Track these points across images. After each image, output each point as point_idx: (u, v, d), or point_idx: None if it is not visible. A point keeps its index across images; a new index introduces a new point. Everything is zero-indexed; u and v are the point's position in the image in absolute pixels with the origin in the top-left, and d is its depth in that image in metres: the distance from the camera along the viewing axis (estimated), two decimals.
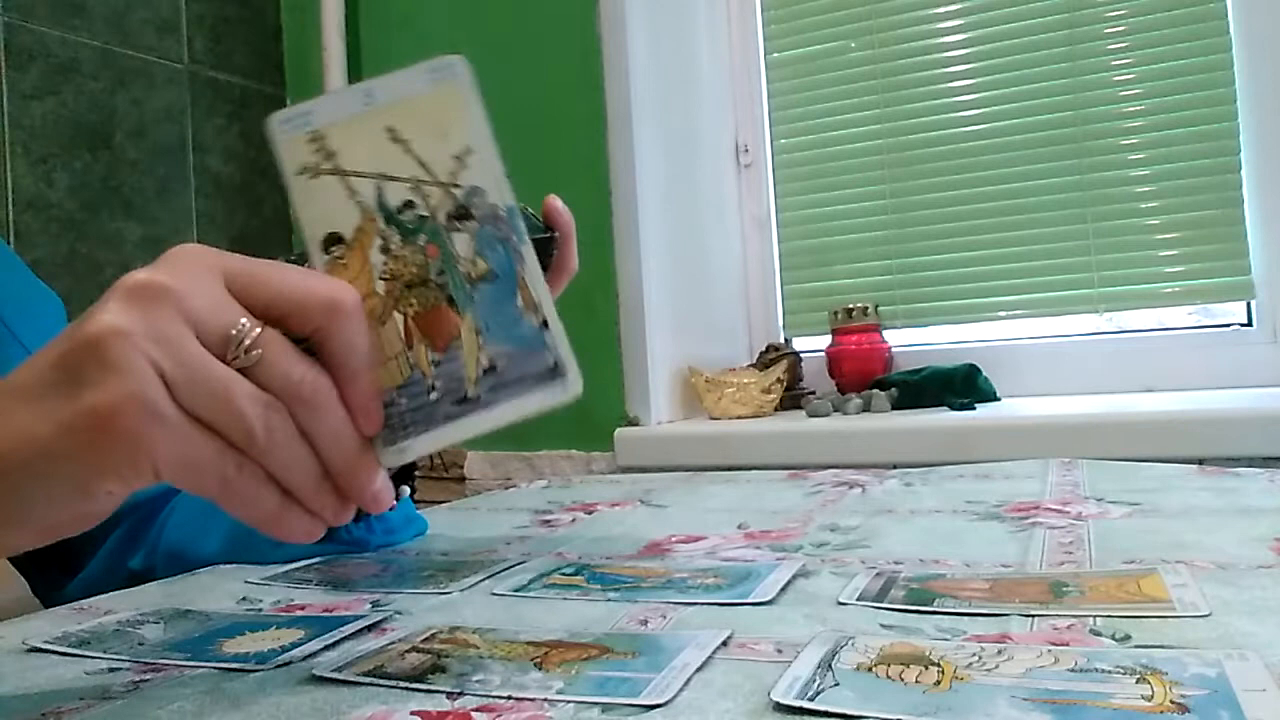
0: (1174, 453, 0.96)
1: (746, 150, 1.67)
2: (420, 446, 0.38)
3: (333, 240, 0.39)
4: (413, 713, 0.33)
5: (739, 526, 0.64)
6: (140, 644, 0.43)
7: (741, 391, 1.45)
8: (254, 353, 0.33)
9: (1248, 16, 1.36)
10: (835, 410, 1.39)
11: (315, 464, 0.34)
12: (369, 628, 0.44)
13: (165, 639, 0.44)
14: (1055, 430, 1.17)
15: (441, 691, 0.34)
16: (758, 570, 0.50)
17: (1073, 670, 0.32)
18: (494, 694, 0.34)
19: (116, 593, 0.55)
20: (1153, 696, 0.30)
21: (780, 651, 0.37)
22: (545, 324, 0.39)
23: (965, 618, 0.40)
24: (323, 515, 0.35)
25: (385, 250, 0.39)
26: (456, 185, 0.39)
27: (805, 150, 1.63)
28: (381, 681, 0.36)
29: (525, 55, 1.53)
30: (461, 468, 1.55)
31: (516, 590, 0.50)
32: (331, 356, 0.35)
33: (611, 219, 1.45)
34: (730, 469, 0.99)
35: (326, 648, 0.41)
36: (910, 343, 1.56)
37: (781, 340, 1.63)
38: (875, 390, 1.41)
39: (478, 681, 0.35)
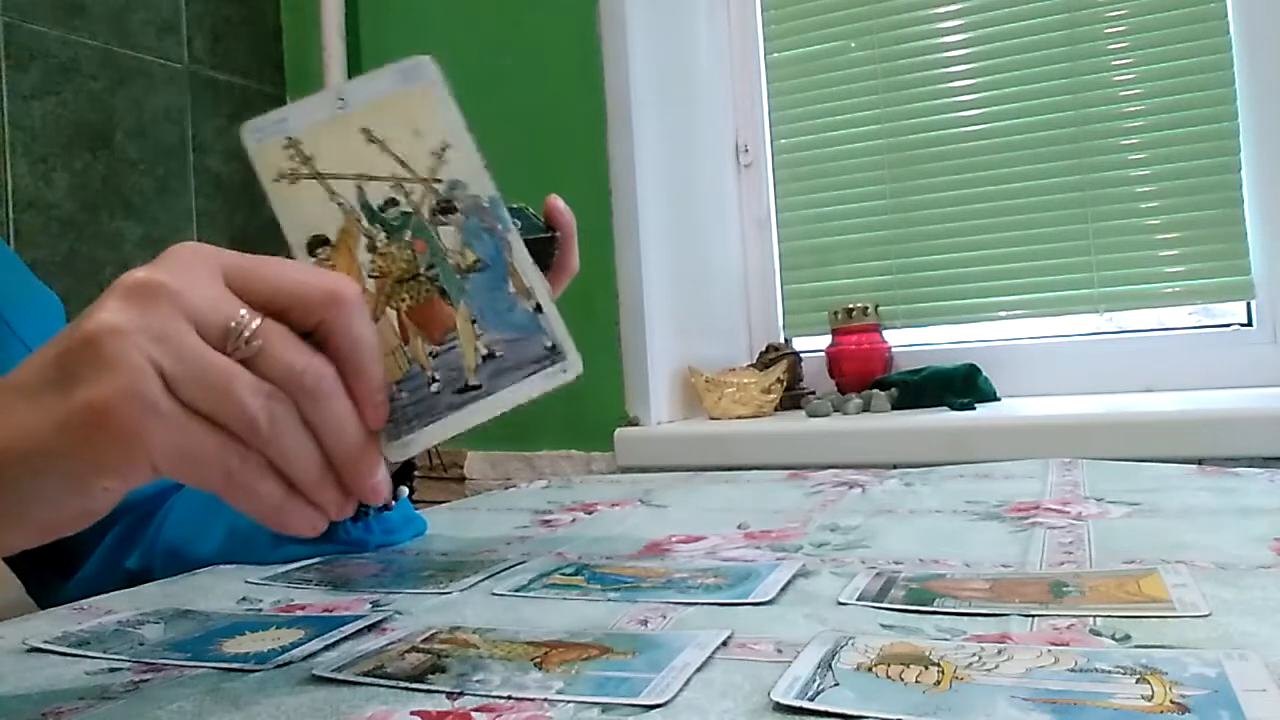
0: (1174, 453, 0.96)
1: (746, 150, 1.67)
2: (425, 438, 0.38)
3: (318, 243, 0.39)
4: (413, 713, 0.33)
5: (739, 526, 0.64)
6: (140, 644, 0.43)
7: (741, 391, 1.45)
8: (254, 343, 0.33)
9: (1248, 16, 1.36)
10: (835, 410, 1.39)
11: (318, 455, 0.34)
12: (369, 628, 0.44)
13: (165, 639, 0.44)
14: (1055, 430, 1.17)
15: (441, 691, 0.34)
16: (758, 570, 0.50)
17: (1073, 670, 0.32)
18: (494, 694, 0.34)
19: (116, 593, 0.55)
20: (1153, 696, 0.30)
21: (780, 651, 0.37)
22: (539, 308, 0.40)
23: (965, 618, 0.40)
24: (325, 509, 0.35)
25: (372, 249, 0.39)
26: (438, 180, 0.40)
27: (805, 150, 1.63)
28: (381, 681, 0.36)
29: (525, 55, 1.53)
30: (461, 468, 1.54)
31: (516, 590, 0.50)
32: (337, 350, 0.35)
33: (611, 219, 1.45)
34: (730, 469, 0.99)
35: (326, 648, 0.41)
36: (910, 343, 1.56)
37: (781, 340, 1.63)
38: (875, 390, 1.41)
39: (478, 681, 0.35)
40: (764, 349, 1.57)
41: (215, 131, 1.59)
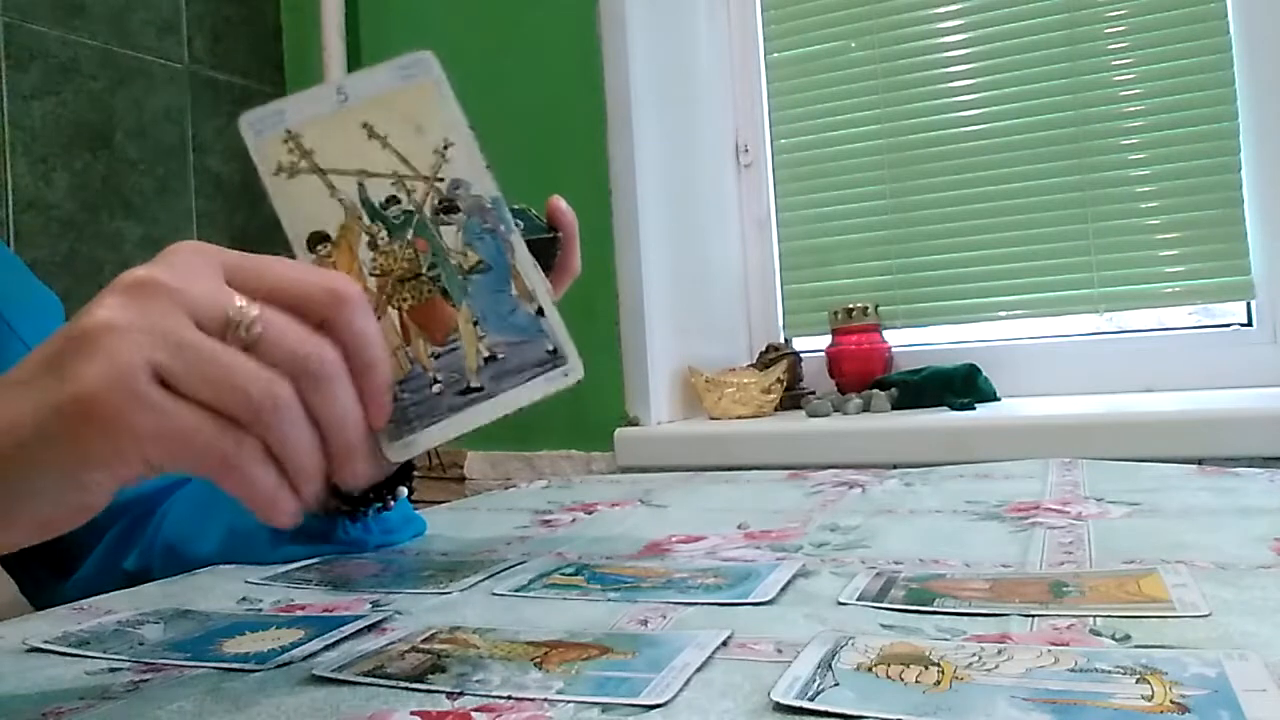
0: (1174, 453, 0.96)
1: (746, 150, 1.67)
2: (427, 439, 0.38)
3: (318, 239, 0.39)
4: (413, 713, 0.33)
5: (739, 526, 0.64)
6: (140, 644, 0.43)
7: (741, 391, 1.45)
8: (255, 330, 0.33)
9: (1248, 16, 1.36)
10: (835, 410, 1.39)
11: (318, 444, 0.34)
12: (369, 628, 0.44)
13: (165, 639, 0.44)
14: (1055, 430, 1.17)
15: (441, 691, 0.34)
16: (758, 570, 0.50)
17: (1073, 670, 0.32)
18: (494, 694, 0.34)
19: (116, 593, 0.55)
20: (1153, 696, 0.30)
21: (780, 651, 0.37)
22: (541, 311, 0.40)
23: (965, 618, 0.40)
24: (306, 499, 0.35)
25: (373, 246, 0.39)
26: (439, 179, 0.39)
27: (805, 150, 1.63)
28: (381, 681, 0.36)
29: (525, 55, 1.53)
30: (461, 468, 1.54)
31: (516, 590, 0.50)
32: (342, 347, 0.35)
33: (611, 219, 1.45)
34: (730, 469, 0.99)
35: (326, 648, 0.41)
36: (910, 343, 1.56)
37: (781, 340, 1.63)
38: (875, 390, 1.41)
39: (478, 681, 0.35)
40: (764, 349, 1.57)
41: (215, 131, 1.59)
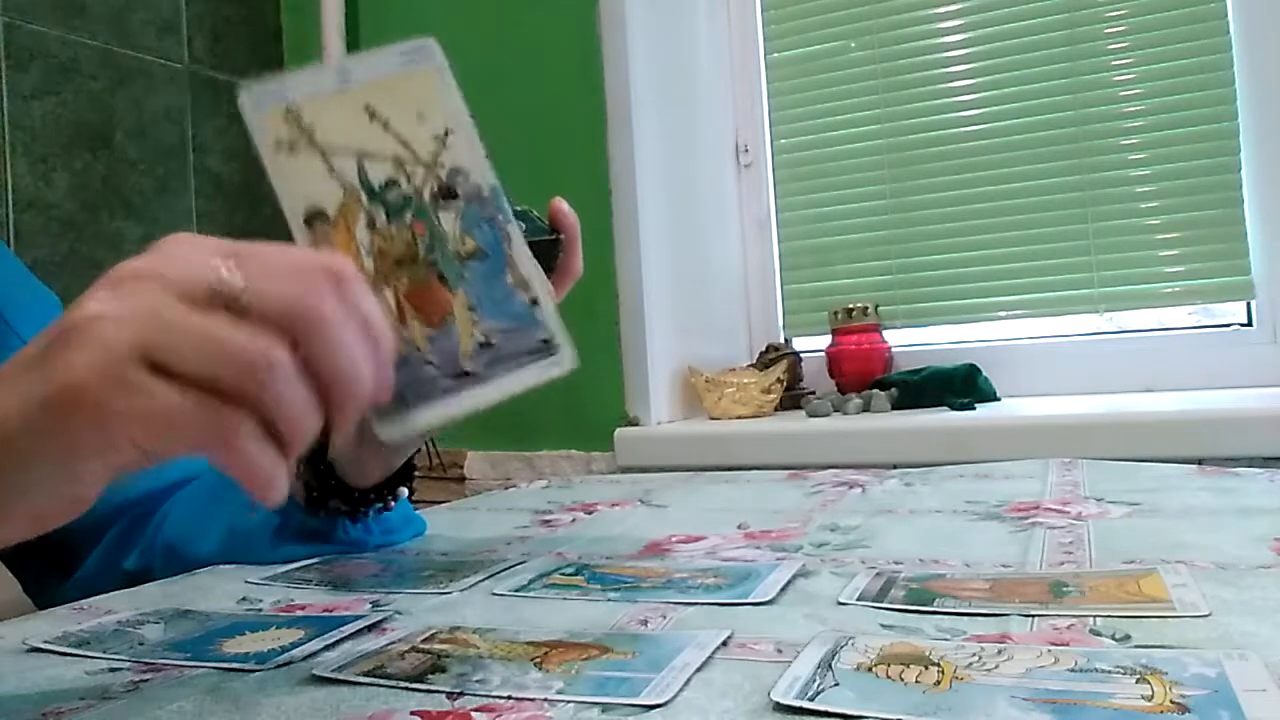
0: (1174, 453, 0.96)
1: (746, 150, 1.67)
2: (420, 420, 0.37)
3: (316, 216, 0.38)
4: (413, 713, 0.33)
5: (739, 526, 0.64)
6: (140, 644, 0.43)
7: (741, 391, 1.45)
8: (241, 289, 0.32)
9: (1248, 16, 1.36)
10: (835, 410, 1.39)
11: (315, 401, 0.33)
12: (369, 628, 0.44)
13: (165, 639, 0.44)
14: (1055, 430, 1.17)
15: (441, 691, 0.34)
16: (758, 570, 0.50)
17: (1073, 670, 0.32)
18: (494, 694, 0.34)
19: (116, 593, 0.55)
20: (1153, 696, 0.30)
21: (780, 651, 0.37)
22: (535, 300, 0.40)
23: (965, 618, 0.40)
24: (294, 460, 0.34)
25: (371, 226, 0.39)
26: (439, 165, 0.39)
27: (805, 150, 1.63)
28: (381, 681, 0.36)
29: (525, 55, 1.53)
30: (461, 468, 1.54)
31: (516, 590, 0.50)
32: None
33: (611, 219, 1.45)
34: (730, 469, 0.99)
35: (326, 648, 0.41)
36: (910, 343, 1.56)
37: (781, 340, 1.63)
38: (875, 390, 1.41)
39: (478, 681, 0.35)
40: (764, 349, 1.57)
41: (215, 131, 1.59)
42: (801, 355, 1.56)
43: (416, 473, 0.64)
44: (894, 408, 1.38)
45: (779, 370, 1.47)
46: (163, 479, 0.65)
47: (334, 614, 0.47)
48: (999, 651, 0.35)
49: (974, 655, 0.34)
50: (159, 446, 0.32)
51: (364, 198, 0.39)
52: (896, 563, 0.51)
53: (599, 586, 0.49)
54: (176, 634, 0.45)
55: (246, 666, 0.39)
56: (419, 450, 0.63)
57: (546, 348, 0.39)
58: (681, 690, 0.33)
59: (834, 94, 1.60)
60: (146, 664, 0.40)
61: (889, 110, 1.56)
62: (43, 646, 0.44)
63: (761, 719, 0.31)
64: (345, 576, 0.56)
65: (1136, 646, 0.35)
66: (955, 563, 0.50)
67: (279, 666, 0.39)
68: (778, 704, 0.31)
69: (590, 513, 0.75)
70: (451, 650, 0.39)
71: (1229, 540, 0.51)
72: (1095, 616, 0.39)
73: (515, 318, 0.39)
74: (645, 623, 0.42)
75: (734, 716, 0.31)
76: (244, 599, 0.52)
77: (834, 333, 1.52)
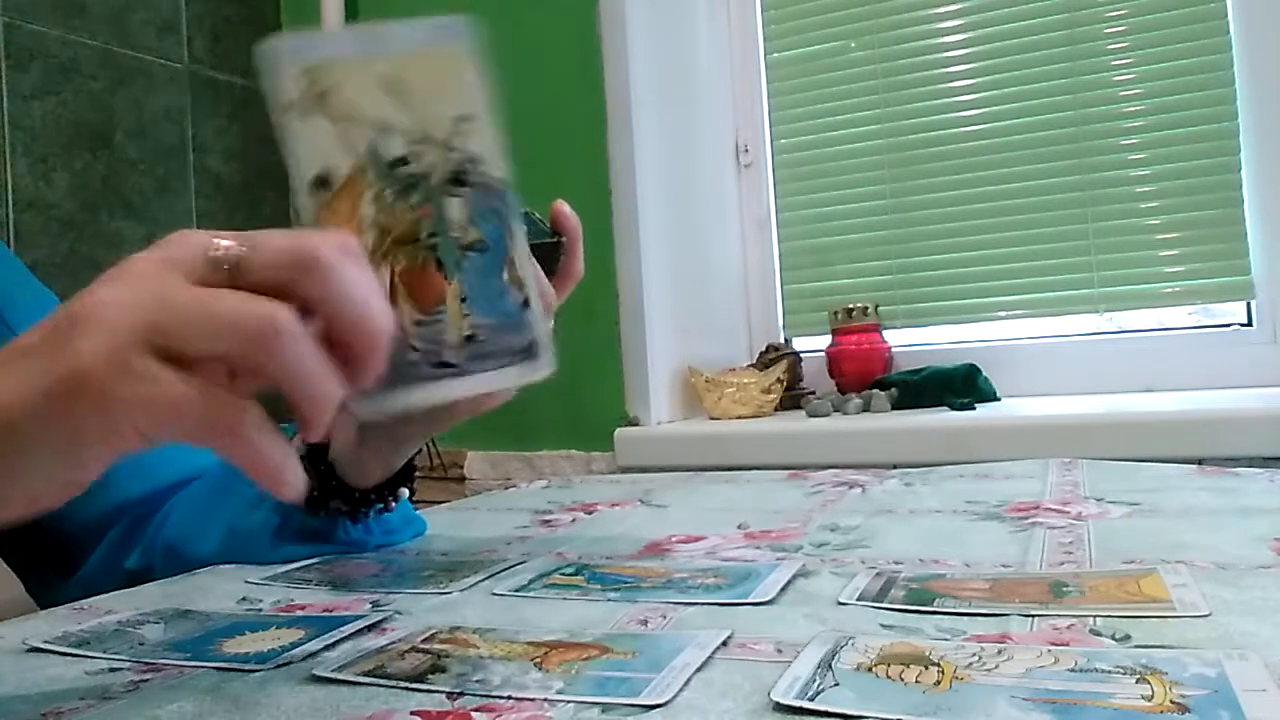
0: (1174, 453, 0.96)
1: (746, 150, 1.67)
2: (396, 402, 0.37)
3: (322, 183, 0.37)
4: (413, 713, 0.33)
5: (739, 526, 0.64)
6: (140, 644, 0.43)
7: (741, 391, 1.45)
8: (240, 250, 0.32)
9: (1248, 16, 1.36)
10: (835, 410, 1.39)
11: (329, 364, 0.32)
12: (369, 628, 0.44)
13: (165, 639, 0.44)
14: (1055, 430, 1.17)
15: (441, 691, 0.34)
16: (758, 570, 0.50)
17: (1073, 670, 0.32)
18: (494, 694, 0.34)
19: (116, 593, 0.55)
20: (1153, 696, 0.30)
21: (780, 651, 0.37)
22: (527, 302, 0.39)
23: (965, 618, 0.40)
24: (325, 428, 0.33)
25: (377, 201, 0.38)
26: (453, 149, 0.39)
27: (805, 150, 1.63)
28: (381, 681, 0.36)
29: (525, 55, 1.53)
30: (461, 468, 1.55)
31: (516, 590, 0.50)
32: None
33: (611, 219, 1.45)
34: (730, 469, 0.99)
35: (326, 648, 0.41)
36: (910, 343, 1.56)
37: (781, 340, 1.63)
38: (875, 390, 1.41)
39: (478, 681, 0.35)
40: (764, 349, 1.57)
41: (215, 131, 1.59)
42: (801, 355, 1.56)
43: (417, 473, 0.64)
44: (894, 408, 1.38)
45: (779, 370, 1.47)
46: (164, 479, 0.66)
47: (334, 614, 0.47)
48: (999, 651, 0.35)
49: (974, 655, 0.34)
50: (162, 434, 0.32)
51: (373, 171, 0.38)
52: (896, 563, 0.51)
53: (599, 586, 0.49)
54: (176, 634, 0.45)
55: (246, 666, 0.39)
56: (419, 451, 0.63)
57: (529, 351, 0.39)
58: (681, 690, 0.33)
59: (834, 94, 1.60)
60: (146, 664, 0.40)
61: (889, 110, 1.56)
62: (43, 646, 0.44)
63: (761, 719, 0.31)
64: (345, 576, 0.56)
65: (1136, 646, 0.35)
66: (955, 563, 0.50)
67: (279, 666, 0.39)
68: (778, 704, 0.31)
69: (590, 513, 0.75)
70: (451, 650, 0.39)
71: (1229, 540, 0.51)
72: (1095, 616, 0.39)
73: (505, 316, 0.39)
74: (645, 623, 0.42)
75: (734, 716, 0.31)
76: (244, 599, 0.52)
77: (834, 333, 1.52)
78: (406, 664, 0.37)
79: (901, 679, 0.33)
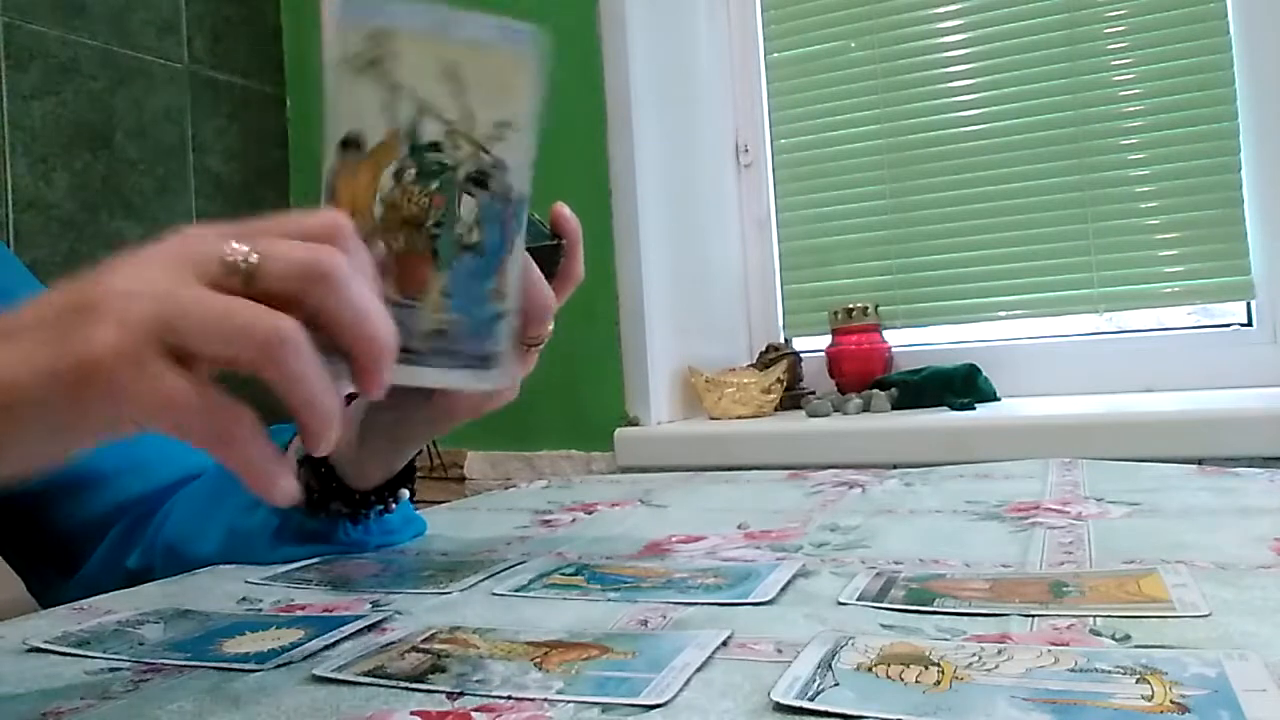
0: (1174, 453, 0.96)
1: (746, 150, 1.67)
2: (344, 375, 0.37)
3: (351, 144, 0.37)
4: (413, 713, 0.33)
5: (739, 526, 0.64)
6: (140, 644, 0.43)
7: (741, 391, 1.45)
8: (253, 259, 0.32)
9: (1248, 16, 1.36)
10: (835, 410, 1.39)
11: (332, 379, 0.33)
12: (369, 628, 0.44)
13: (165, 639, 0.44)
14: (1055, 430, 1.17)
15: (441, 691, 0.34)
16: (758, 570, 0.50)
17: (1073, 670, 0.32)
18: (494, 694, 0.34)
19: (116, 593, 0.55)
20: (1153, 696, 0.30)
21: (780, 651, 0.37)
22: (502, 316, 0.39)
23: (965, 618, 0.40)
24: (329, 442, 0.34)
25: (398, 176, 0.38)
26: (486, 150, 0.39)
27: (805, 150, 1.63)
28: (381, 681, 0.36)
29: None
30: (461, 468, 1.55)
31: (516, 590, 0.50)
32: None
33: (611, 219, 1.45)
34: (730, 469, 0.99)
35: (326, 648, 0.41)
36: (910, 343, 1.56)
37: (781, 340, 1.63)
38: (875, 390, 1.41)
39: (478, 681, 0.35)
40: (764, 349, 1.57)
41: (215, 131, 1.59)
42: (801, 355, 1.56)
43: (417, 473, 0.64)
44: (894, 408, 1.38)
45: (779, 370, 1.47)
46: (164, 478, 0.66)
47: (334, 614, 0.47)
48: (999, 651, 0.35)
49: (974, 655, 0.34)
50: (159, 429, 0.32)
51: (405, 146, 0.38)
52: (896, 563, 0.51)
53: (599, 586, 0.49)
54: (176, 634, 0.45)
55: (246, 666, 0.39)
56: (420, 451, 0.63)
57: (487, 361, 0.39)
58: (681, 690, 0.33)
59: (834, 94, 1.60)
60: (146, 664, 0.40)
61: (889, 110, 1.56)
62: (43, 646, 0.44)
63: (761, 719, 0.31)
64: (345, 576, 0.56)
65: (1136, 646, 0.35)
66: (955, 563, 0.50)
67: (279, 666, 0.39)
68: (778, 704, 0.31)
69: (590, 513, 0.75)
70: (451, 650, 0.39)
71: (1229, 540, 0.51)
72: (1095, 616, 0.39)
73: (478, 322, 0.39)
74: (645, 623, 0.42)
75: (734, 716, 0.31)
76: (244, 599, 0.52)
77: (834, 333, 1.52)
78: (406, 664, 0.37)
79: (901, 679, 0.33)
